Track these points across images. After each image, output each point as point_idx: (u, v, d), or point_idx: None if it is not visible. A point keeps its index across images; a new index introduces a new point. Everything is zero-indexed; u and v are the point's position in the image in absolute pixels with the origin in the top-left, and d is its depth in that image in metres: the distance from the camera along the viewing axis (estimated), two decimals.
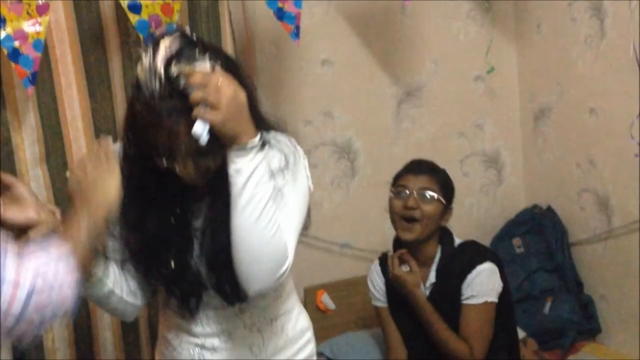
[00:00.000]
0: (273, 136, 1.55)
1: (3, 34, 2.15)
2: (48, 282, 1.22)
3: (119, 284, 1.61)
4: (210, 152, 1.44)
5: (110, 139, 1.49)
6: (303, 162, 1.57)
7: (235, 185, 1.42)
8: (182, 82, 1.39)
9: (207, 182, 1.51)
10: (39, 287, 1.20)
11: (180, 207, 1.57)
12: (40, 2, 2.18)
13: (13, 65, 2.19)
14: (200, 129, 1.38)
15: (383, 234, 2.80)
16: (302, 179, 1.55)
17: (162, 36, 1.44)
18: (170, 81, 1.39)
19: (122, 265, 1.62)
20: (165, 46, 1.40)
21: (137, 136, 1.47)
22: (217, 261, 1.54)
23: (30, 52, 2.19)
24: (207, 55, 1.42)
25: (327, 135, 2.97)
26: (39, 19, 2.18)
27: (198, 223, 1.57)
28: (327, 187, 3.00)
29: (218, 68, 1.41)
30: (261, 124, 1.53)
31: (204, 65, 1.41)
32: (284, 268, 1.46)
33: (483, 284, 2.27)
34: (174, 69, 1.39)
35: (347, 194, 3.04)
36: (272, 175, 1.48)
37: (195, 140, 1.40)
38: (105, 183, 1.43)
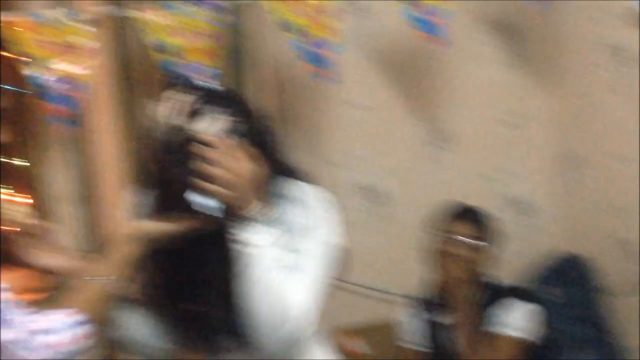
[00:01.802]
0: (294, 186, 1.55)
1: (37, 73, 2.22)
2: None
3: (142, 330, 1.61)
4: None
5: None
6: (327, 213, 1.56)
7: (242, 254, 1.43)
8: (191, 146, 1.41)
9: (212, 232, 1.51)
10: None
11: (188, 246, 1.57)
12: (85, 46, 2.24)
13: (53, 105, 2.25)
14: (208, 202, 1.40)
15: (412, 278, 2.78)
16: (320, 232, 1.54)
17: (176, 85, 1.48)
18: (188, 135, 1.41)
19: (143, 310, 1.61)
20: (186, 98, 1.44)
21: (160, 175, 1.49)
22: (228, 312, 1.53)
23: (71, 93, 2.24)
24: (225, 109, 1.45)
25: (356, 178, 2.97)
26: (71, 59, 2.24)
27: (208, 268, 1.57)
28: (351, 229, 2.94)
29: (228, 143, 1.42)
30: (281, 171, 1.53)
31: (221, 123, 1.43)
32: (299, 331, 1.46)
33: (524, 319, 2.25)
34: (193, 124, 1.41)
35: (372, 237, 3.02)
36: (290, 232, 1.47)
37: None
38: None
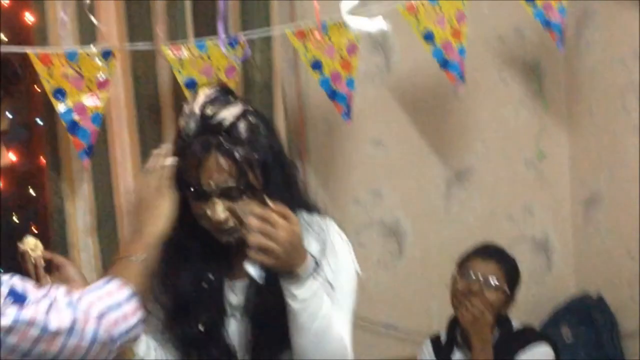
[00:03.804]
0: (313, 220, 1.56)
1: (63, 107, 2.23)
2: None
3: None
4: (239, 197, 1.48)
5: (168, 147, 1.54)
6: (347, 247, 1.57)
7: (292, 308, 1.45)
8: (216, 120, 1.47)
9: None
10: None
11: (213, 273, 1.58)
12: (101, 77, 2.25)
13: (71, 137, 2.26)
14: (256, 272, 1.42)
15: (429, 316, 2.76)
16: (347, 265, 1.55)
17: (202, 86, 1.55)
18: (204, 119, 1.47)
19: (160, 341, 1.61)
20: (204, 93, 1.51)
21: (176, 183, 1.52)
22: (257, 345, 1.53)
23: (88, 125, 2.26)
24: (238, 101, 1.52)
25: (376, 215, 2.96)
26: (99, 94, 2.26)
27: (235, 300, 1.57)
28: (374, 267, 2.97)
29: (274, 207, 1.44)
30: (301, 204, 1.55)
31: (236, 108, 1.49)
32: None
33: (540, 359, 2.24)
34: (209, 110, 1.48)
35: (394, 275, 3.01)
36: (320, 266, 1.49)
37: (223, 179, 1.46)
38: (156, 204, 1.46)
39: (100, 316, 1.26)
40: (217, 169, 1.46)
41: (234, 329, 1.57)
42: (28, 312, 1.19)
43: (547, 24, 2.54)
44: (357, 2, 2.36)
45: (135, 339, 1.37)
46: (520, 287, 2.41)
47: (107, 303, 1.29)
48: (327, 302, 1.47)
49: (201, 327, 1.56)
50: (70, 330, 1.22)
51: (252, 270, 1.42)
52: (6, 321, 1.17)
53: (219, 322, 1.57)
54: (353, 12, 2.39)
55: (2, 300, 1.19)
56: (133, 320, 1.31)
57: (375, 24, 2.38)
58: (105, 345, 1.26)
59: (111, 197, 2.44)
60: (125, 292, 1.32)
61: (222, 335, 1.57)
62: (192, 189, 1.49)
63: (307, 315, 1.44)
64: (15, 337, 1.18)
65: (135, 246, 1.42)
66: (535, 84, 3.08)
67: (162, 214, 1.46)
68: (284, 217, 1.41)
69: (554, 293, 3.19)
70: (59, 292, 1.26)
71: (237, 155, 1.46)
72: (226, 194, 1.47)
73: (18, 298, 1.20)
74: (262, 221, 1.40)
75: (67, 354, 1.22)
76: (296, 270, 1.43)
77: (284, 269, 1.43)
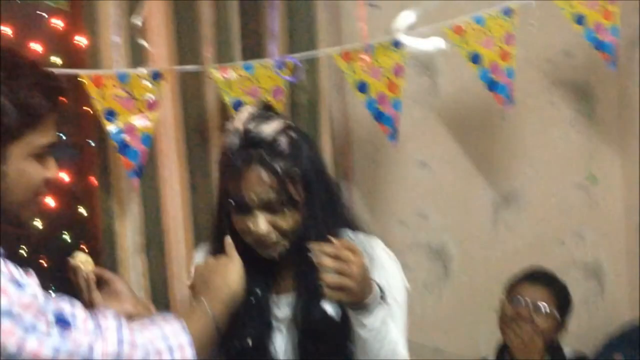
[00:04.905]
0: (359, 239, 1.57)
1: (114, 127, 2.27)
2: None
3: None
4: (281, 211, 1.49)
5: (229, 238, 1.55)
6: (395, 264, 1.58)
7: (362, 337, 1.47)
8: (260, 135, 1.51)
9: (293, 274, 1.53)
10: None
11: (260, 287, 1.58)
12: (150, 99, 2.29)
13: (121, 157, 2.30)
14: (333, 310, 1.47)
15: (476, 341, 2.72)
16: (397, 282, 1.56)
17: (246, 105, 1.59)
18: (247, 134, 1.51)
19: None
20: (247, 110, 1.57)
21: (220, 198, 1.53)
22: (307, 355, 1.54)
23: (137, 146, 2.30)
24: (280, 117, 1.57)
25: (421, 238, 2.94)
26: (148, 115, 2.30)
27: (281, 314, 1.58)
28: (419, 289, 2.95)
29: (341, 242, 1.46)
30: (345, 223, 1.56)
31: (277, 123, 1.53)
32: None
33: None
34: (251, 125, 1.52)
35: (440, 298, 2.98)
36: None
37: (265, 191, 1.48)
38: (226, 268, 1.47)
39: (146, 354, 1.26)
40: (259, 182, 1.48)
41: (280, 343, 1.57)
42: (71, 342, 1.20)
43: (598, 44, 2.51)
44: (412, 21, 2.36)
45: None
46: (571, 313, 2.35)
47: (159, 346, 1.28)
48: (392, 326, 1.50)
49: (249, 342, 1.56)
50: None
51: (329, 309, 1.43)
52: (49, 349, 1.18)
53: (266, 336, 1.58)
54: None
55: (47, 325, 1.20)
56: None
57: (432, 43, 2.37)
58: None
59: (159, 217, 2.47)
60: (183, 338, 1.32)
61: (268, 350, 1.57)
62: (234, 203, 1.51)
63: (376, 342, 1.46)
64: None
65: (211, 302, 1.41)
66: (585, 106, 3.04)
67: (232, 278, 1.46)
68: (351, 250, 1.42)
69: (607, 321, 3.12)
70: (109, 321, 1.27)
71: (277, 168, 1.48)
72: (268, 207, 1.49)
73: (64, 323, 1.21)
74: (335, 259, 1.40)
75: None
76: (365, 300, 1.44)
77: (357, 301, 1.44)
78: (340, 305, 1.47)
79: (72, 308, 1.24)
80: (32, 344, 1.17)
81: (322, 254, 1.40)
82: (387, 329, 1.47)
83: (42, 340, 1.18)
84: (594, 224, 3.11)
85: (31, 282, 1.23)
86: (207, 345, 1.41)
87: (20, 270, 1.24)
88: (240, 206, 1.51)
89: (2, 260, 1.22)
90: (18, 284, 1.20)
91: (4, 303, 1.17)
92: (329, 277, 1.39)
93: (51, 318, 1.20)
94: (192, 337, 1.32)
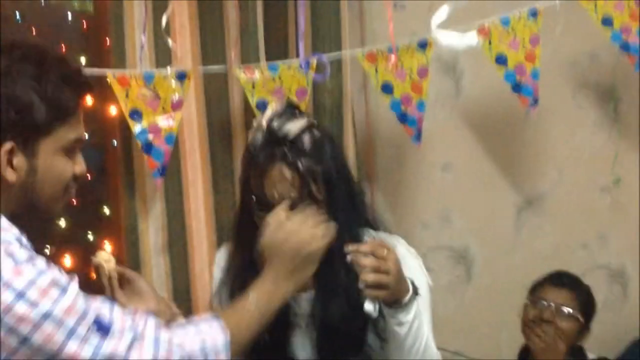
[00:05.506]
0: (381, 237, 1.57)
1: (139, 127, 2.29)
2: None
3: None
4: (302, 205, 1.50)
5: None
6: (417, 261, 1.59)
7: (398, 334, 1.49)
8: (282, 133, 1.52)
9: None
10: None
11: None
12: (174, 98, 2.30)
13: (145, 156, 2.31)
14: (372, 307, 1.45)
15: (498, 344, 2.71)
16: (420, 278, 1.56)
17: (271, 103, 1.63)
18: (270, 131, 1.52)
19: None
20: (271, 108, 1.58)
21: (243, 195, 1.54)
22: (321, 356, 1.54)
23: (161, 145, 2.31)
24: (304, 115, 1.57)
25: (444, 240, 2.93)
26: (173, 114, 2.31)
27: (300, 311, 1.58)
28: (441, 292, 2.93)
29: (375, 241, 1.48)
30: (367, 222, 1.56)
31: (301, 122, 1.54)
32: None
33: None
34: (275, 123, 1.52)
35: (462, 301, 2.97)
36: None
37: (287, 189, 1.49)
38: (299, 228, 1.45)
39: (182, 355, 1.26)
40: (281, 179, 1.49)
41: (299, 340, 1.58)
42: (109, 346, 1.21)
43: (624, 46, 2.49)
44: (445, 17, 2.36)
45: None
46: (595, 317, 2.34)
47: (196, 347, 1.29)
48: (424, 320, 1.53)
49: (267, 337, 1.57)
50: None
51: (369, 307, 1.43)
52: (86, 354, 1.19)
53: (285, 332, 1.58)
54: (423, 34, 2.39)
55: (87, 330, 1.20)
56: None
57: (467, 39, 2.37)
58: None
59: (182, 217, 2.48)
60: (220, 338, 1.32)
61: (286, 346, 1.58)
62: (256, 199, 1.51)
63: (412, 337, 1.48)
64: None
65: (278, 271, 1.42)
66: (610, 108, 3.01)
67: (314, 242, 1.45)
68: (385, 248, 1.43)
69: (631, 324, 3.09)
70: (148, 325, 1.27)
71: (300, 166, 1.49)
72: (289, 205, 1.49)
73: (102, 327, 1.21)
74: (373, 257, 1.42)
75: None
76: (402, 296, 1.45)
77: (393, 298, 1.45)
78: (379, 303, 1.47)
79: (110, 312, 1.25)
80: (71, 348, 1.18)
81: (360, 253, 1.41)
82: (421, 323, 1.49)
83: (81, 345, 1.19)
84: (618, 228, 3.09)
85: (73, 285, 1.23)
86: (251, 335, 1.40)
87: (64, 272, 1.25)
88: (262, 202, 1.52)
89: (44, 262, 1.22)
90: (62, 288, 1.20)
91: (47, 305, 1.17)
92: (370, 276, 1.39)
93: (91, 323, 1.21)
94: (231, 332, 1.32)
